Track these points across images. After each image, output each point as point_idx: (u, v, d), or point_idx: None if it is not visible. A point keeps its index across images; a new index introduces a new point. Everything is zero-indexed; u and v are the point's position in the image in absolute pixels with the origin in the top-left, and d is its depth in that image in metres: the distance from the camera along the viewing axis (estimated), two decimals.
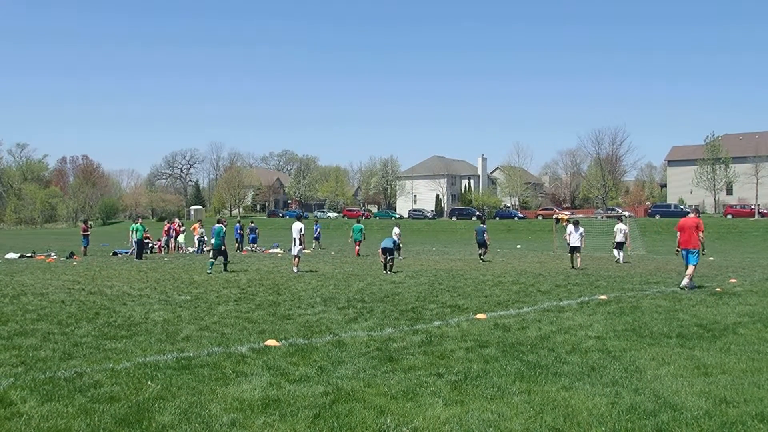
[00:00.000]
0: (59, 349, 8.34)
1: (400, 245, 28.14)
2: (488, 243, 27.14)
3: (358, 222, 30.43)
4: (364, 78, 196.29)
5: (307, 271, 20.68)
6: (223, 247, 21.39)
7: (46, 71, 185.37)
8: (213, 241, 21.63)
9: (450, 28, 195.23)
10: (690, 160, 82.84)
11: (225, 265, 21.39)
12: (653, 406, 5.89)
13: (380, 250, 20.51)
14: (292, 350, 8.34)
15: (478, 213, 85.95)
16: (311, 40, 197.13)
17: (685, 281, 15.29)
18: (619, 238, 25.95)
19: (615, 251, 25.95)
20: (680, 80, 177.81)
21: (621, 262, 25.07)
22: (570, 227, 23.18)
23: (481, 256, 26.61)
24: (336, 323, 10.53)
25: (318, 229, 37.72)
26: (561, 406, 5.91)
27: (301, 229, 21.02)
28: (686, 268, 15.46)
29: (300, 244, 20.98)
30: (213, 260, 21.02)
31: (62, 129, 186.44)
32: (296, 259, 20.92)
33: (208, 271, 20.30)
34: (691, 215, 16.10)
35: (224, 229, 21.98)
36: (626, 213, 56.77)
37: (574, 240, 22.52)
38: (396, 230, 28.30)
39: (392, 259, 20.34)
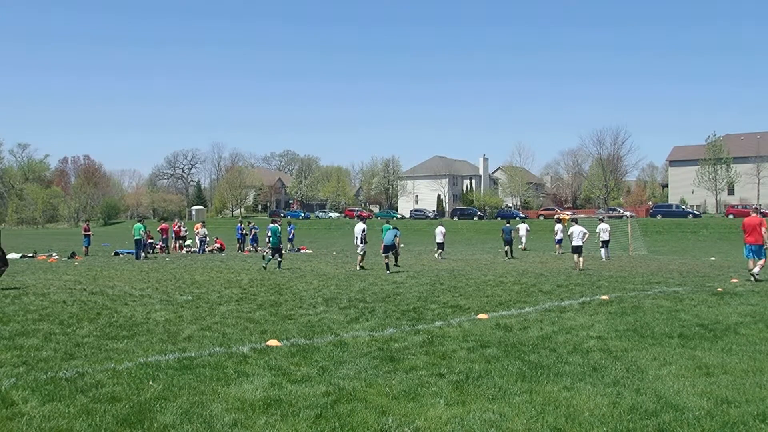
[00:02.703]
0: (61, 349, 8.35)
1: (444, 244, 28.72)
2: (513, 242, 29.05)
3: (387, 222, 30.54)
4: (366, 78, 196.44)
5: (366, 269, 21.05)
6: (279, 245, 22.48)
7: (47, 71, 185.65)
8: (270, 239, 22.74)
9: (452, 28, 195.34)
10: (691, 160, 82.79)
11: (279, 263, 22.25)
12: (655, 406, 5.89)
13: (382, 248, 21.07)
14: (293, 350, 8.35)
15: (480, 213, 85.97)
16: (313, 41, 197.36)
17: (756, 269, 16.96)
18: (603, 237, 27.18)
19: (602, 251, 27.11)
20: (682, 80, 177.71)
21: (605, 259, 26.47)
22: (563, 226, 23.48)
23: (509, 254, 28.18)
24: (337, 323, 10.53)
25: (292, 230, 36.88)
26: (563, 406, 5.91)
27: (363, 229, 21.97)
28: (750, 262, 17.32)
29: (362, 243, 21.88)
30: (270, 257, 22.24)
31: (64, 129, 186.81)
32: (360, 258, 21.72)
33: (264, 266, 21.67)
34: (753, 215, 17.77)
35: (280, 228, 23.00)
36: (627, 213, 56.83)
37: (576, 239, 21.83)
38: (442, 229, 28.57)
39: (396, 257, 20.61)
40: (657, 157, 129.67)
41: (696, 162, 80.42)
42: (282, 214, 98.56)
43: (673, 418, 5.55)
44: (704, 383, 6.70)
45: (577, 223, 22.94)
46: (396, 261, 20.90)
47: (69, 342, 8.82)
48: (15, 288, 15.37)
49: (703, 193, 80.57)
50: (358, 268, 21.37)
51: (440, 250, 28.25)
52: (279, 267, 21.96)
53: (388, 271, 20.18)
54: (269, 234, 22.77)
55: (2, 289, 15.06)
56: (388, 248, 20.73)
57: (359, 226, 22.40)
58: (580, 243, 21.60)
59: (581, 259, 21.47)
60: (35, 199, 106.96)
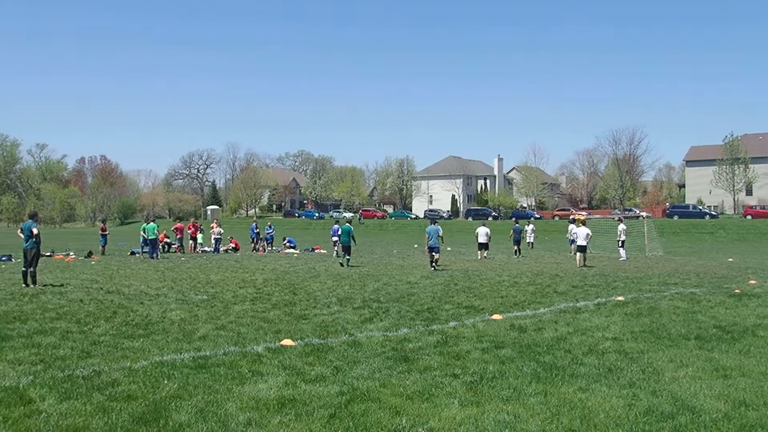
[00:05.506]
0: (78, 347, 8.42)
1: (488, 245, 28.76)
2: (522, 241, 30.87)
3: (435, 223, 30.53)
4: (381, 79, 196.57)
5: (442, 269, 21.46)
6: (349, 245, 23.56)
7: (65, 72, 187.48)
8: (341, 239, 24.04)
9: (467, 29, 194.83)
10: (709, 161, 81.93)
11: (347, 260, 23.19)
12: (671, 409, 5.84)
13: (427, 248, 22.29)
14: (307, 350, 8.37)
15: (494, 214, 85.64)
16: (328, 42, 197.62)
17: None
18: (622, 237, 28.12)
19: (621, 251, 27.84)
20: (699, 80, 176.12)
21: (624, 258, 27.15)
22: (576, 227, 24.19)
23: (518, 253, 29.52)
24: (351, 323, 10.54)
25: (272, 231, 36.29)
26: (578, 408, 5.87)
27: (438, 231, 22.41)
28: None
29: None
30: (346, 256, 23.33)
31: (81, 129, 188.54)
32: (433, 258, 22.18)
33: (342, 265, 22.73)
34: None
35: (351, 227, 24.06)
36: (644, 214, 56.36)
37: (581, 239, 23.84)
38: (486, 230, 28.55)
39: (437, 255, 21.99)
40: (674, 157, 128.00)
41: (713, 162, 79.58)
42: (296, 215, 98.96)
43: (689, 421, 5.50)
44: (721, 385, 6.64)
45: (584, 224, 24.75)
46: (436, 262, 21.82)
47: (86, 340, 8.90)
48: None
49: (721, 193, 79.73)
50: (432, 268, 21.61)
51: (486, 251, 28.24)
52: (345, 265, 22.70)
53: (432, 268, 21.41)
54: (339, 233, 24.12)
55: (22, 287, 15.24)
56: (432, 248, 21.84)
57: (433, 228, 22.48)
58: (585, 243, 23.73)
59: (584, 257, 23.42)
60: (53, 198, 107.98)
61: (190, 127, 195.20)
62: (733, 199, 78.60)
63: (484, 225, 29.57)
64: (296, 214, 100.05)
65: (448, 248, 35.37)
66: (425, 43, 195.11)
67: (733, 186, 77.67)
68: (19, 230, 16.32)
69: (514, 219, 42.21)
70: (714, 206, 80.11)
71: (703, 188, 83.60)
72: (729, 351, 8.35)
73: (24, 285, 15.39)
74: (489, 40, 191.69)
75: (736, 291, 14.99)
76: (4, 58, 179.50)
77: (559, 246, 39.07)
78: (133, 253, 30.83)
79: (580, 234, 23.92)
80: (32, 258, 15.52)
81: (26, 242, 15.60)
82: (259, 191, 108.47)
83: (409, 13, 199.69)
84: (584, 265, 22.92)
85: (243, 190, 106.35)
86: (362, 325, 10.40)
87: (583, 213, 63.99)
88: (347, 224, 24.26)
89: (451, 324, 10.48)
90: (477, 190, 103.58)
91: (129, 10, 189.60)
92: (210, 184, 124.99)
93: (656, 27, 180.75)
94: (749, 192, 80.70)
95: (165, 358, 7.82)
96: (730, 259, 27.99)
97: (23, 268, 15.68)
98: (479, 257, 27.92)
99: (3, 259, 25.79)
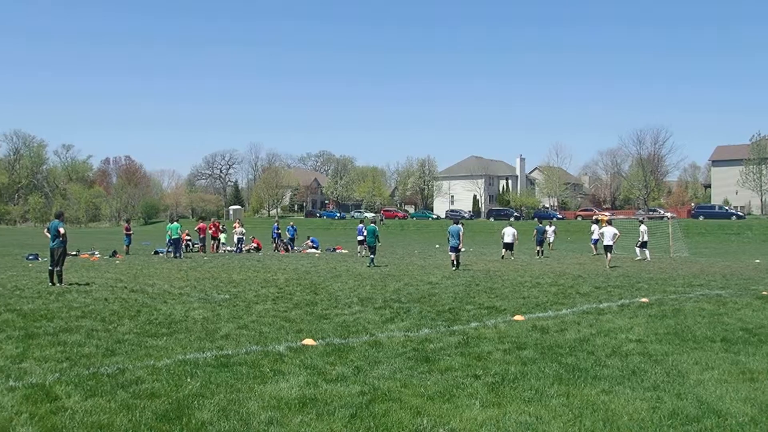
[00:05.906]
0: (102, 345, 8.54)
1: (513, 245, 28.57)
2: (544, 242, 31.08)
3: (457, 223, 30.41)
4: (402, 78, 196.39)
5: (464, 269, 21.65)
6: (374, 245, 23.99)
7: (91, 73, 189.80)
8: (367, 239, 24.37)
9: (490, 29, 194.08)
10: (735, 160, 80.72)
11: (372, 260, 23.57)
12: (696, 412, 5.76)
13: (449, 248, 22.58)
14: (329, 350, 8.39)
15: (516, 214, 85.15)
16: (349, 42, 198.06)
17: None
18: (645, 237, 28.23)
19: (639, 249, 28.08)
20: (725, 79, 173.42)
21: (647, 258, 27.33)
22: (599, 227, 24.26)
23: (540, 254, 29.61)
24: (373, 323, 10.55)
25: (294, 231, 36.51)
26: (600, 410, 5.82)
27: (459, 230, 22.49)
28: None
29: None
30: (370, 255, 23.79)
31: (106, 130, 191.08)
32: (453, 257, 22.21)
33: (368, 266, 23.03)
34: None
35: (377, 228, 24.59)
36: (668, 214, 55.71)
37: (608, 239, 24.16)
38: (513, 231, 28.47)
39: (458, 257, 22.20)
40: (699, 157, 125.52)
41: (740, 162, 78.39)
42: (318, 215, 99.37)
43: (715, 425, 5.42)
44: (748, 389, 6.53)
45: (611, 224, 25.38)
46: (458, 263, 22.00)
47: (110, 339, 9.02)
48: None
49: (748, 193, 78.51)
50: (453, 268, 21.68)
51: (510, 252, 28.19)
52: (370, 265, 23.06)
53: (453, 268, 21.59)
54: (364, 233, 24.86)
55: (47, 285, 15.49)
56: (454, 248, 22.09)
57: (455, 228, 22.55)
58: (611, 243, 24.05)
59: (610, 256, 23.80)
60: (78, 198, 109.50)
61: (212, 128, 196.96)
62: (761, 200, 77.34)
63: (510, 226, 29.57)
64: (318, 214, 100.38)
65: (468, 249, 35.22)
66: (448, 42, 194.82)
67: (761, 186, 76.45)
68: (46, 230, 16.61)
69: (536, 219, 42.19)
70: (740, 207, 78.81)
71: (730, 188, 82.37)
72: (756, 354, 8.22)
73: (50, 284, 15.64)
74: (512, 39, 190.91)
75: (764, 293, 14.74)
76: (31, 59, 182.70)
77: (581, 247, 38.73)
78: (156, 253, 31.17)
79: (607, 234, 24.23)
80: (59, 257, 15.78)
81: (53, 241, 15.86)
82: (280, 191, 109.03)
83: (431, 12, 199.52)
84: (608, 266, 22.90)
85: (265, 190, 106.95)
86: (383, 325, 10.41)
87: (606, 213, 63.41)
88: (372, 224, 24.69)
89: (473, 324, 10.44)
90: (499, 191, 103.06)
91: (154, 10, 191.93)
92: (232, 184, 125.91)
93: (680, 27, 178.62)
94: None
95: (188, 356, 7.89)
96: (757, 261, 27.52)
97: (50, 267, 15.95)
98: (503, 253, 27.98)
99: (30, 258, 26.26)
